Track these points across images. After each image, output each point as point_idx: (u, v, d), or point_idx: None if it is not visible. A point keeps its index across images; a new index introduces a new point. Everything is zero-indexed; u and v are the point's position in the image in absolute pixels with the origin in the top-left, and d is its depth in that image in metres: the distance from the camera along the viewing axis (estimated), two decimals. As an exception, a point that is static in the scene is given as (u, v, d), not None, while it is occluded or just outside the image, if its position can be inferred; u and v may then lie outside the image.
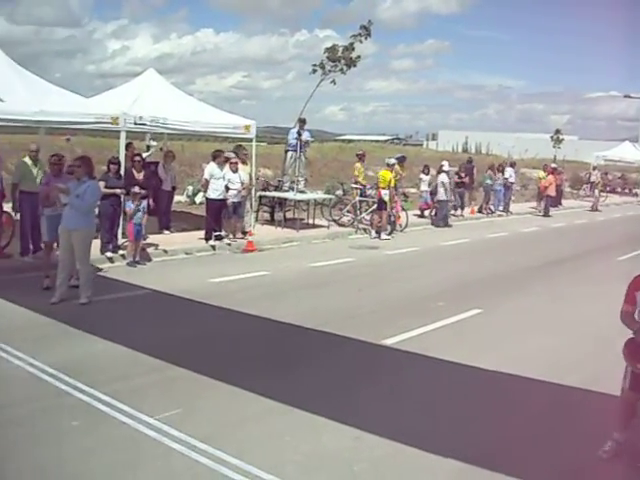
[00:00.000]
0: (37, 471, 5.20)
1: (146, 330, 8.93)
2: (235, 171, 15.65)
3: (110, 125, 13.75)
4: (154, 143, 18.76)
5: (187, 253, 14.69)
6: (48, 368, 7.19)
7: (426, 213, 23.08)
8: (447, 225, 22.01)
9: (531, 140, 68.83)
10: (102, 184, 12.69)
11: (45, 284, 10.60)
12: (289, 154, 19.95)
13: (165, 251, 14.31)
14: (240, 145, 17.42)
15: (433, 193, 22.54)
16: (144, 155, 16.75)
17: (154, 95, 15.40)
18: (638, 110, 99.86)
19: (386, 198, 18.69)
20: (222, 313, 9.99)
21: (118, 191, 13.12)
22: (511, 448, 5.93)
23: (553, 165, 30.78)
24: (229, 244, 15.56)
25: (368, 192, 20.12)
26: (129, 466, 5.33)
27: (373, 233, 18.76)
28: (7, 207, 12.89)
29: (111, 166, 13.24)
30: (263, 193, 19.45)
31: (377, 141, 78.31)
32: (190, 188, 22.04)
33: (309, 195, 19.82)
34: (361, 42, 22.93)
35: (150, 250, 14.07)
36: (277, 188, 19.85)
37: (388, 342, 8.87)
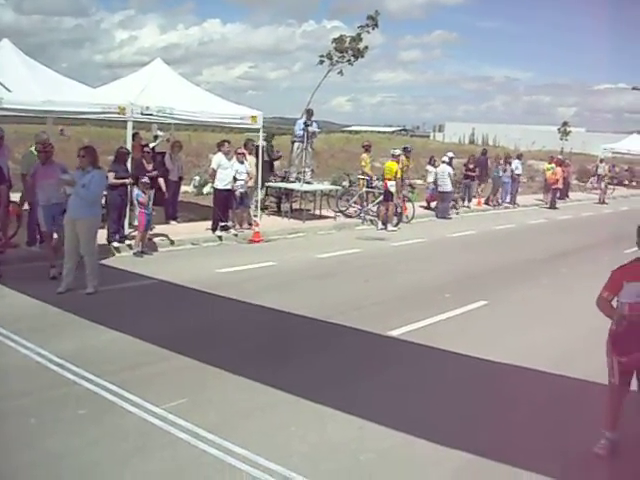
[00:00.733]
0: (44, 460, 5.22)
1: (153, 320, 8.96)
2: (242, 162, 15.66)
3: (117, 115, 13.74)
4: (161, 133, 18.76)
5: (194, 243, 14.70)
6: (55, 358, 7.22)
7: (432, 204, 23.04)
8: (445, 217, 21.85)
9: (538, 132, 68.65)
10: (112, 175, 12.76)
11: (52, 274, 10.61)
12: (296, 145, 19.94)
13: (172, 241, 14.33)
14: (250, 139, 17.40)
15: (435, 184, 22.47)
16: (151, 145, 16.78)
17: (161, 85, 15.36)
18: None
19: (392, 189, 18.67)
20: (229, 303, 10.00)
21: (127, 181, 13.17)
22: (517, 440, 5.93)
23: (560, 157, 30.74)
24: (236, 235, 15.57)
25: (375, 183, 20.09)
26: (135, 455, 5.35)
27: (380, 224, 18.74)
28: (15, 197, 12.90)
29: (120, 156, 13.28)
30: (270, 184, 19.46)
31: (384, 132, 78.27)
32: (197, 178, 22.07)
33: (316, 186, 19.83)
34: (368, 33, 22.96)
35: (157, 240, 14.10)
36: (284, 179, 19.86)
37: (394, 333, 8.88)
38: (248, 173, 15.83)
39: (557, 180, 27.31)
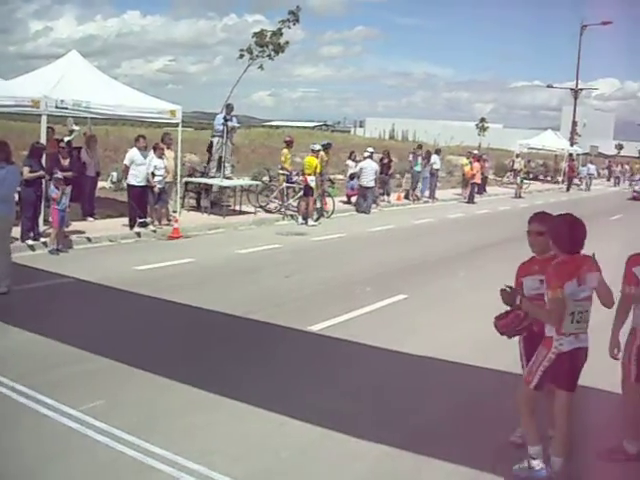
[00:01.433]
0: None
1: (68, 320, 8.73)
2: (160, 157, 15.46)
3: (31, 108, 13.36)
4: (77, 127, 18.32)
5: (111, 240, 14.43)
6: (-35, 361, 6.99)
7: (353, 199, 23.23)
8: (366, 212, 22.04)
9: (457, 128, 70.18)
10: (27, 169, 12.42)
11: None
12: (215, 140, 19.80)
13: (88, 238, 14.02)
14: (167, 133, 17.19)
15: (354, 177, 22.70)
16: (66, 139, 16.39)
17: (77, 78, 14.93)
18: (560, 100, 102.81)
19: (312, 184, 18.76)
20: (147, 302, 9.86)
21: (42, 174, 12.82)
22: (437, 432, 6.05)
23: (475, 152, 31.45)
24: (154, 231, 15.36)
25: (294, 178, 20.13)
26: (53, 459, 5.23)
27: (300, 219, 18.80)
28: None
29: (35, 151, 12.92)
30: (189, 179, 19.27)
31: (305, 127, 78.30)
32: (114, 174, 21.62)
33: (236, 181, 19.77)
34: (289, 28, 23.05)
35: (73, 237, 13.76)
36: (203, 174, 19.71)
37: (314, 328, 8.93)
38: (166, 168, 15.64)
39: (474, 175, 27.93)
